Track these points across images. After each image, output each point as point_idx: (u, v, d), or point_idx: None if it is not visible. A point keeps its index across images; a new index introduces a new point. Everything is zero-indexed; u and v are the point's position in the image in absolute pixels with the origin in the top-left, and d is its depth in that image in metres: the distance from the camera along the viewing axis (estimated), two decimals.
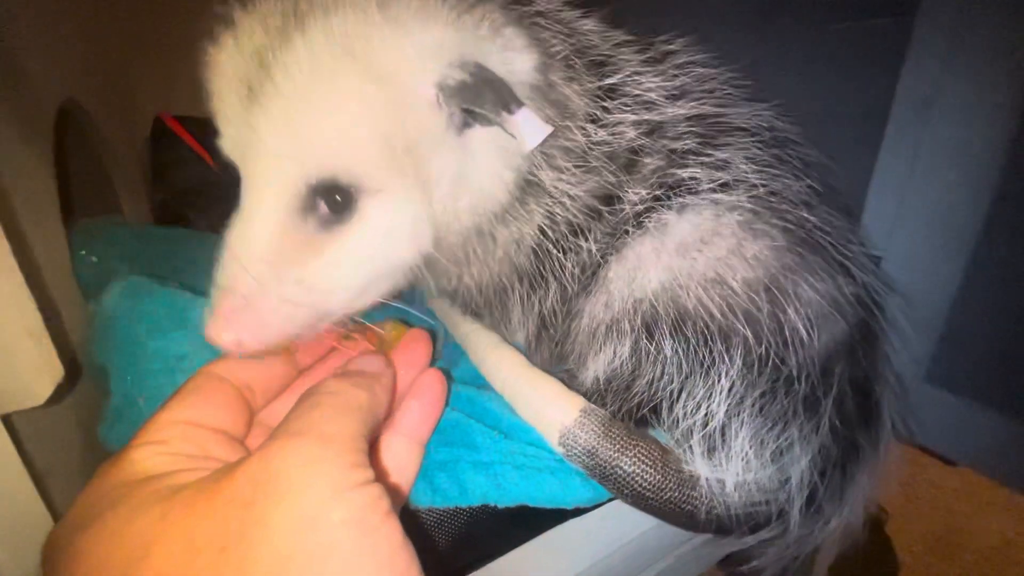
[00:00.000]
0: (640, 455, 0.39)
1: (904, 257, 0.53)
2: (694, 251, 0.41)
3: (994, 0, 0.46)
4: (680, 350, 0.40)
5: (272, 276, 0.33)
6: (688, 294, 0.40)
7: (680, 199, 0.42)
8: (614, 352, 0.43)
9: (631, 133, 0.43)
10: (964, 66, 0.48)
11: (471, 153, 0.38)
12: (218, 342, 0.32)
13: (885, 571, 0.80)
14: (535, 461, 0.40)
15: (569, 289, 0.46)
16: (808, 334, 0.39)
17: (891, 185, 0.54)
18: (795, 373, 0.39)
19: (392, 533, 0.23)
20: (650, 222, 0.42)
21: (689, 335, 0.40)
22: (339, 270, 0.35)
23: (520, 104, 0.35)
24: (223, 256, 0.34)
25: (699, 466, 0.39)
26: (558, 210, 0.43)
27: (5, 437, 0.38)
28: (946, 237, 0.51)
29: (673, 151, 0.43)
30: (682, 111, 0.44)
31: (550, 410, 0.41)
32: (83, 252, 0.56)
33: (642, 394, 0.42)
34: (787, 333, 0.39)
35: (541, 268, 0.46)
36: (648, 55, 0.46)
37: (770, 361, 0.39)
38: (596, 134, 0.42)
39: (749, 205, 0.41)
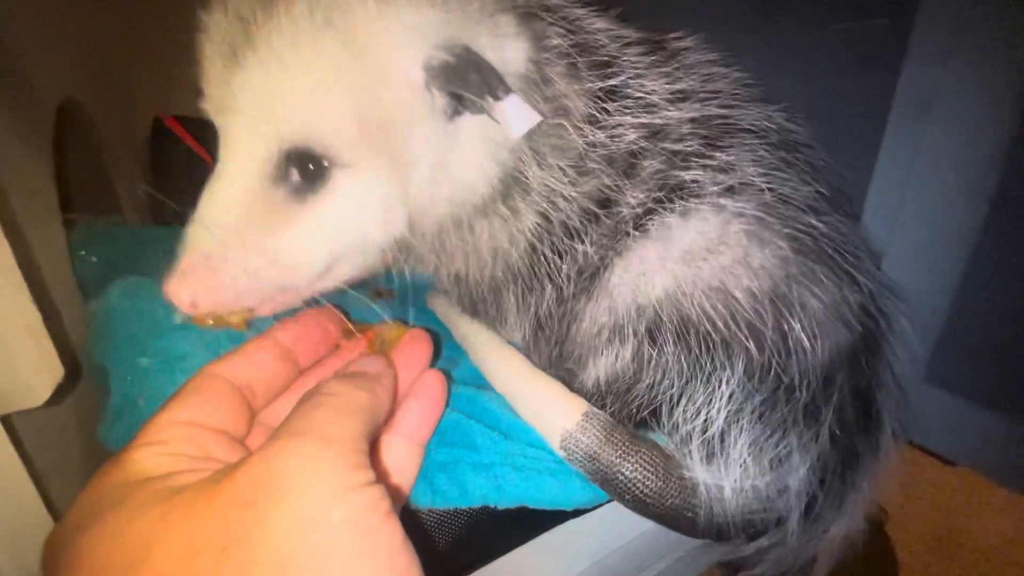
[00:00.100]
0: (642, 461, 0.39)
1: (904, 257, 0.53)
2: (700, 260, 0.40)
3: (993, 1, 0.46)
4: (682, 356, 0.40)
5: (236, 240, 0.34)
6: (692, 303, 0.40)
7: (683, 202, 0.41)
8: (616, 356, 0.43)
9: (631, 136, 0.43)
10: (963, 66, 0.48)
11: (457, 142, 0.38)
12: (174, 300, 0.32)
13: (885, 571, 0.80)
14: (535, 463, 0.40)
15: (565, 291, 0.46)
16: (811, 345, 0.39)
17: (890, 186, 0.54)
18: (796, 382, 0.39)
19: (393, 534, 0.23)
20: (652, 224, 0.42)
21: (692, 343, 0.40)
22: (304, 242, 0.36)
23: (508, 90, 0.34)
24: (194, 216, 0.34)
25: (698, 471, 0.39)
26: (551, 211, 0.43)
27: (5, 438, 0.38)
28: (946, 237, 0.51)
29: (675, 153, 0.43)
30: (685, 114, 0.43)
31: (552, 413, 0.41)
32: (83, 252, 0.56)
33: (642, 397, 0.42)
34: (790, 344, 0.39)
35: (535, 270, 0.46)
36: (655, 56, 0.46)
37: (772, 370, 0.39)
38: (594, 136, 0.42)
39: (755, 212, 0.40)
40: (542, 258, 0.45)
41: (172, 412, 0.28)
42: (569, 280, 0.45)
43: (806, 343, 0.39)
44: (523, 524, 0.42)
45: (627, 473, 0.39)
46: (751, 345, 0.39)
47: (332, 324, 0.38)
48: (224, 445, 0.28)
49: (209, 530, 0.21)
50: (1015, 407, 0.48)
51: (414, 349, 0.38)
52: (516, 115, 0.35)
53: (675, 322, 0.40)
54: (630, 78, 0.44)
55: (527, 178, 0.42)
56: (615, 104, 0.43)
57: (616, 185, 0.43)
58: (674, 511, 0.39)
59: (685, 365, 0.40)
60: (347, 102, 0.34)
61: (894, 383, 0.44)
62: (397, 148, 0.36)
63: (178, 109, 0.84)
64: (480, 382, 0.47)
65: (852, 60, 0.57)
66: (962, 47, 0.47)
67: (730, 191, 0.41)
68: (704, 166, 0.42)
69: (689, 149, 0.43)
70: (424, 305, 0.60)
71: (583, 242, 0.44)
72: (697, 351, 0.40)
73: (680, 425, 0.40)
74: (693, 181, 0.42)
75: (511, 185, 0.42)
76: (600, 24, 0.45)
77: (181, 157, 0.83)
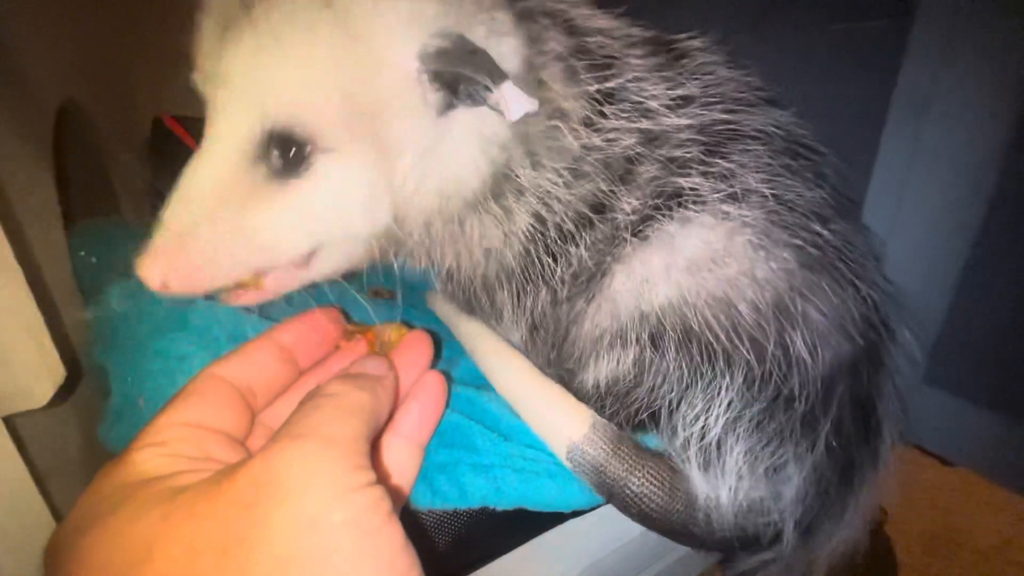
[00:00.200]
0: (649, 475, 0.39)
1: (903, 257, 0.53)
2: (705, 271, 0.40)
3: (991, 1, 0.46)
4: (683, 363, 0.40)
5: (211, 219, 0.33)
6: (696, 313, 0.39)
7: (682, 209, 0.41)
8: (617, 360, 0.43)
9: (627, 141, 0.42)
10: (961, 67, 0.48)
11: (449, 135, 0.38)
12: (145, 279, 0.32)
13: (884, 571, 0.80)
14: (534, 465, 0.41)
15: (559, 294, 0.46)
16: (812, 357, 0.38)
17: (889, 186, 0.54)
18: (796, 392, 0.39)
19: (394, 535, 0.23)
20: (651, 231, 0.41)
21: (693, 351, 0.40)
22: (282, 225, 0.35)
23: (504, 76, 0.34)
24: (173, 192, 0.34)
25: (695, 478, 0.39)
26: (545, 214, 0.43)
27: (7, 439, 0.38)
28: (944, 237, 0.51)
29: (673, 159, 0.42)
30: (685, 120, 0.42)
31: (558, 422, 0.41)
32: (83, 253, 0.56)
33: (642, 400, 0.42)
34: (791, 356, 0.39)
35: (529, 271, 0.46)
36: (659, 58, 0.45)
37: (772, 381, 0.39)
38: (589, 139, 0.41)
39: (761, 222, 0.40)
40: (536, 260, 0.45)
41: (173, 413, 0.28)
42: (563, 283, 0.45)
43: (807, 356, 0.38)
44: (522, 524, 0.42)
45: (634, 488, 0.39)
46: (752, 356, 0.39)
47: (332, 325, 0.38)
48: (225, 446, 0.28)
49: (210, 531, 0.21)
50: (1013, 407, 0.48)
51: (414, 350, 0.38)
52: (512, 100, 0.35)
53: (678, 331, 0.40)
54: (629, 81, 0.43)
55: (519, 177, 0.41)
56: (612, 108, 0.42)
57: (611, 190, 0.42)
58: (680, 525, 0.39)
59: (686, 371, 0.40)
60: (336, 85, 0.33)
61: (895, 394, 0.44)
62: (384, 136, 0.35)
63: (178, 109, 0.84)
64: (480, 382, 0.47)
65: (851, 60, 0.57)
66: (961, 47, 0.48)
67: (733, 198, 0.40)
68: (704, 173, 0.41)
69: (688, 155, 0.42)
70: (424, 305, 0.60)
71: (577, 246, 0.44)
72: (698, 359, 0.39)
73: (679, 430, 0.40)
74: (692, 188, 0.41)
75: (502, 183, 0.41)
76: (603, 23, 0.44)
77: (181, 157, 0.83)
